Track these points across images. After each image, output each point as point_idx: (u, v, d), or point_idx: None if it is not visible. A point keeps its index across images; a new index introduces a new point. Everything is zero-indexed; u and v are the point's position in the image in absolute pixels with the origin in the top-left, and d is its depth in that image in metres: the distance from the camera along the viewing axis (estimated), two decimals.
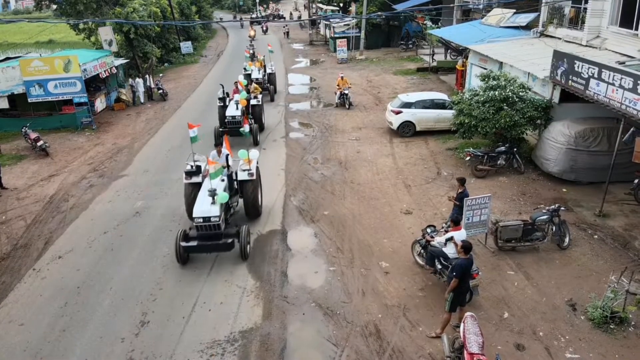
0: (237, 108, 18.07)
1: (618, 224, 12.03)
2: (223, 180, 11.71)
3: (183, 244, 10.93)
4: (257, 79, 23.79)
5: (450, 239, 9.21)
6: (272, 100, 24.71)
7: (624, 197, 13.11)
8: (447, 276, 8.60)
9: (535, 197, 13.53)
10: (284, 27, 55.22)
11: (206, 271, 10.91)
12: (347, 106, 23.38)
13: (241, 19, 64.24)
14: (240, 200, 12.94)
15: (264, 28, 55.47)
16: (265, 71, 25.74)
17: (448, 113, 17.67)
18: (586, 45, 16.38)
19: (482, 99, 14.81)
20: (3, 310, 9.97)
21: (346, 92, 23.42)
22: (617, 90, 11.24)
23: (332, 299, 9.78)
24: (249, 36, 47.44)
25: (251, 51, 28.97)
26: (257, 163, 13.00)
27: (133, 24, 28.99)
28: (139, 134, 21.18)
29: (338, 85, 23.74)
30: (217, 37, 55.66)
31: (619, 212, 12.57)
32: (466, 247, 8.23)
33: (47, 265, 11.45)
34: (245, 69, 25.49)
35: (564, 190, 13.83)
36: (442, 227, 10.32)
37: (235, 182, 12.58)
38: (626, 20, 15.02)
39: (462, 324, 7.50)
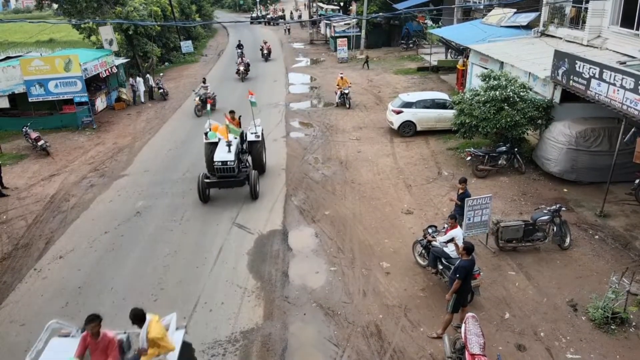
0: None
1: (619, 224, 12.03)
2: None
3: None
4: (224, 164, 13.73)
5: (451, 240, 9.20)
6: (254, 197, 14.13)
7: (624, 197, 13.11)
8: (450, 277, 8.60)
9: (536, 197, 13.53)
10: (285, 24, 55.45)
11: (207, 271, 10.91)
12: (347, 106, 23.22)
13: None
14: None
15: (266, 51, 36.99)
16: (244, 140, 15.32)
17: (449, 113, 17.65)
18: (587, 45, 16.35)
19: (483, 98, 14.80)
20: (4, 310, 9.98)
21: (346, 91, 23.19)
22: (618, 90, 11.23)
23: (333, 299, 9.79)
24: (237, 72, 30.60)
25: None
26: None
27: (135, 24, 28.95)
28: (139, 134, 21.17)
29: (338, 85, 23.61)
30: (217, 36, 55.60)
31: (620, 213, 12.56)
32: (468, 248, 8.23)
33: (48, 265, 11.46)
34: (206, 135, 14.81)
35: (565, 190, 13.83)
36: (443, 228, 10.30)
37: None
38: (627, 20, 14.98)
39: (463, 325, 7.51)
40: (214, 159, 13.85)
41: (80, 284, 10.67)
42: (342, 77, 23.75)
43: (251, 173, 14.17)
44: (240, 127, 15.54)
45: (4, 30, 61.35)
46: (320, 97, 26.06)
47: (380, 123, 20.64)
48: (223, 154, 13.88)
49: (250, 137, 15.39)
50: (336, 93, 23.68)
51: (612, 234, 11.62)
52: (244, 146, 15.36)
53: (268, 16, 65.88)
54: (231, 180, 13.95)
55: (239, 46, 36.86)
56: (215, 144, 14.52)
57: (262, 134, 15.83)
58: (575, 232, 11.59)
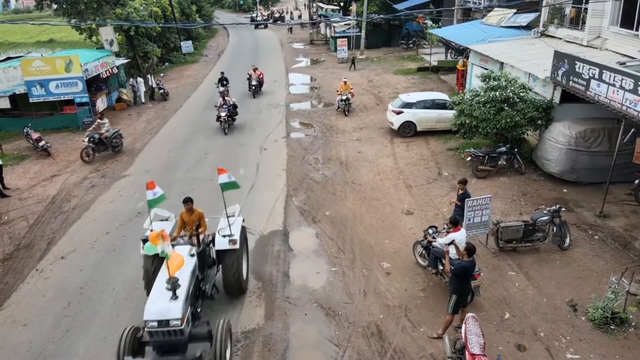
0: None
1: (618, 225, 12.06)
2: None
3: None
4: (162, 324, 7.40)
5: (452, 242, 9.22)
6: None
7: (624, 197, 13.15)
8: (450, 278, 8.62)
9: (536, 198, 13.57)
10: (287, 25, 56.06)
11: None
12: (345, 113, 22.24)
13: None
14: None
15: (255, 82, 26.15)
16: (208, 246, 9.71)
17: (449, 113, 17.68)
18: (587, 46, 16.39)
19: (483, 99, 14.84)
20: (6, 310, 10.01)
21: (344, 97, 22.18)
22: (617, 91, 11.27)
23: (333, 300, 9.83)
24: (218, 120, 20.36)
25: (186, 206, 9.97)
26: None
27: (137, 25, 28.90)
28: (140, 134, 21.20)
29: (339, 91, 22.82)
30: (217, 37, 55.68)
31: (620, 213, 12.60)
32: (470, 249, 8.29)
33: (50, 266, 11.49)
34: (144, 243, 8.88)
35: (565, 190, 13.87)
36: (444, 228, 10.33)
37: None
38: (627, 20, 15.03)
39: (463, 325, 7.55)
40: (144, 315, 7.43)
41: (82, 284, 10.70)
42: (345, 82, 22.71)
43: (216, 328, 7.73)
44: (204, 225, 9.64)
45: (4, 30, 61.42)
46: (320, 98, 26.09)
47: (381, 123, 20.67)
48: (161, 305, 7.45)
49: (221, 244, 9.32)
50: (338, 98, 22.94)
51: (611, 234, 11.66)
52: (210, 257, 9.60)
53: (257, 18, 63.55)
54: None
55: (221, 81, 24.62)
56: (160, 260, 8.19)
57: (244, 231, 10.10)
58: (575, 233, 11.63)
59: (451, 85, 25.82)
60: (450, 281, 8.49)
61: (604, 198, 12.51)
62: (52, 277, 11.05)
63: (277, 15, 67.68)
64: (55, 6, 33.53)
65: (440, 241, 9.67)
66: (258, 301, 9.90)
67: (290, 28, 54.81)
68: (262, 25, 58.00)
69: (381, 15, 30.35)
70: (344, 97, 22.26)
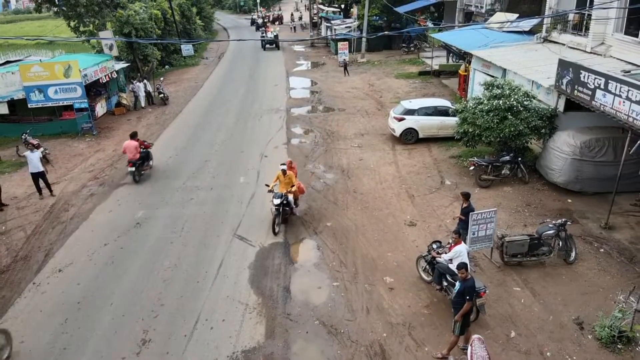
0: None
1: (624, 237, 11.88)
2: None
3: None
4: None
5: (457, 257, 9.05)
6: None
7: (629, 208, 12.98)
8: (456, 301, 8.30)
9: (540, 208, 13.38)
10: (291, 22, 55.79)
11: (208, 286, 10.77)
12: (274, 231, 12.54)
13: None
14: None
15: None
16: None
17: (451, 120, 17.49)
18: (590, 52, 16.20)
19: (486, 107, 14.64)
20: (3, 326, 9.80)
21: (277, 202, 12.50)
22: (624, 102, 11.09)
23: (336, 317, 9.64)
24: None
25: None
26: None
27: (139, 42, 28.66)
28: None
29: (270, 188, 13.00)
30: (218, 38, 55.41)
31: (625, 224, 12.41)
32: (464, 267, 8.20)
33: (47, 279, 11.30)
34: None
35: (569, 200, 13.68)
36: (448, 243, 10.14)
37: None
38: (631, 27, 14.83)
39: (469, 347, 7.36)
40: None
41: (80, 299, 10.51)
42: (283, 171, 13.18)
43: None
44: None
45: (4, 31, 61.25)
46: (321, 102, 25.89)
47: (382, 129, 20.47)
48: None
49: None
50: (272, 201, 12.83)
51: (617, 247, 11.47)
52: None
53: (265, 35, 45.50)
54: None
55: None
56: None
57: None
58: (580, 246, 11.43)
59: (453, 90, 25.62)
60: (455, 304, 8.24)
61: (610, 209, 12.31)
62: (50, 291, 10.86)
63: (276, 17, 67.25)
64: (55, 9, 33.34)
65: (445, 257, 9.51)
66: (258, 318, 9.72)
67: (294, 27, 54.98)
68: (274, 45, 44.02)
69: (386, 32, 30.11)
70: (276, 202, 12.57)
